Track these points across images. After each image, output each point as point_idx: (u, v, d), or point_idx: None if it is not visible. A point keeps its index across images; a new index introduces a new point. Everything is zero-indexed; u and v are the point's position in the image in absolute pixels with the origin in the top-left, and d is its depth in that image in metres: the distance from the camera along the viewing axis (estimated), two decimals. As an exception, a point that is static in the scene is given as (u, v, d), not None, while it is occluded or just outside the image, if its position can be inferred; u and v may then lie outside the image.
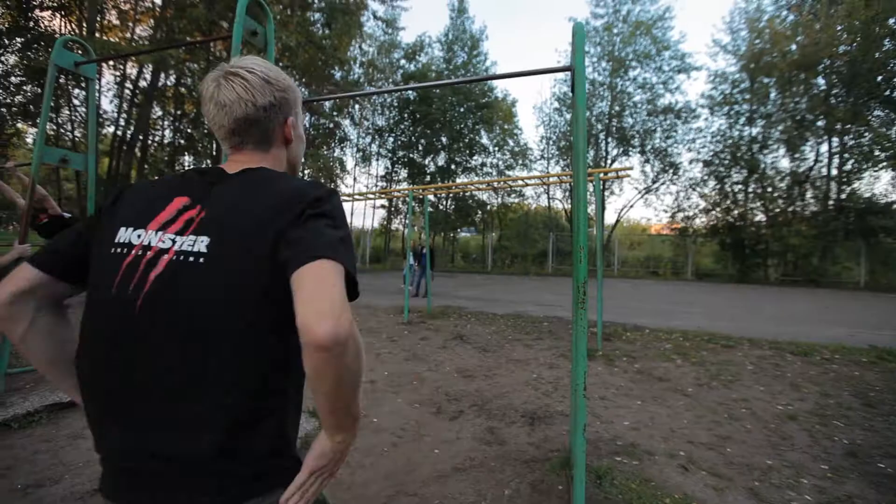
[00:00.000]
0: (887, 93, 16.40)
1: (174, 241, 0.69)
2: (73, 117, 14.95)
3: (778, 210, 18.44)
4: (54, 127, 14.82)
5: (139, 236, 0.72)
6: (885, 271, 16.29)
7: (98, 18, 14.37)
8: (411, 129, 25.55)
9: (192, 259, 0.67)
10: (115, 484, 0.70)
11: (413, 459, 2.71)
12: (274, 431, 0.71)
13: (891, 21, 15.51)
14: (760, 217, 18.97)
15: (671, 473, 2.56)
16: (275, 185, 0.74)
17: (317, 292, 0.61)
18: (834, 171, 17.84)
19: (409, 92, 24.57)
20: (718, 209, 19.74)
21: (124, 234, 0.73)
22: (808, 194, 18.32)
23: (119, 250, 0.71)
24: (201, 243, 0.68)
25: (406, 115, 25.34)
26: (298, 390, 0.76)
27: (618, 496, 2.23)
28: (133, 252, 0.70)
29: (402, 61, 25.78)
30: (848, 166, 17.47)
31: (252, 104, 0.78)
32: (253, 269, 0.67)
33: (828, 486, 2.47)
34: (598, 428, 3.20)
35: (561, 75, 23.74)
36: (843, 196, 17.32)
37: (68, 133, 15.13)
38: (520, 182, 9.83)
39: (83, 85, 3.86)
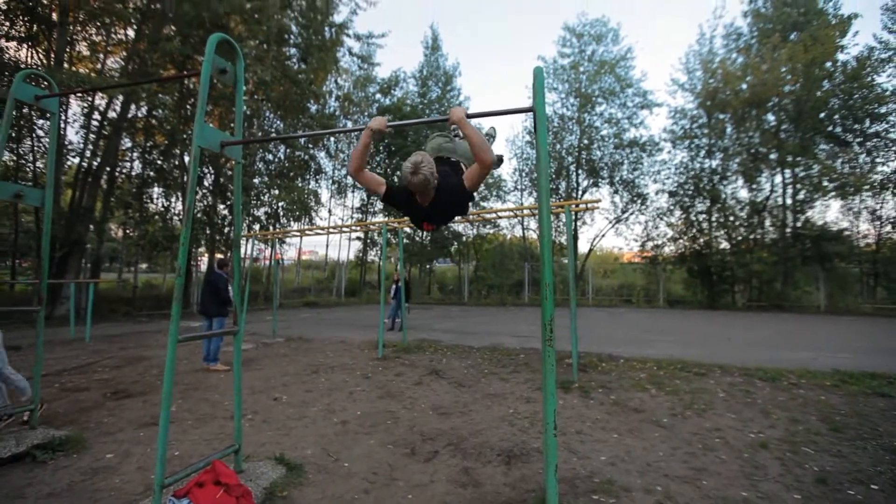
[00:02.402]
0: (830, 128, 17.72)
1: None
2: (37, 148, 14.46)
3: (740, 238, 19.28)
4: (14, 158, 14.26)
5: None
6: (842, 295, 17.11)
7: (67, 49, 14.17)
8: (386, 161, 25.81)
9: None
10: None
11: (385, 507, 2.58)
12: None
13: (827, 64, 16.94)
14: (725, 245, 19.77)
15: (649, 511, 2.52)
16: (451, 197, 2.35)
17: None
18: (789, 201, 18.91)
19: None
20: (685, 237, 20.48)
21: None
22: (767, 222, 19.27)
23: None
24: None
25: (381, 148, 25.65)
26: None
27: (595, 539, 2.17)
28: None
29: (378, 95, 26.32)
30: (801, 196, 18.57)
31: (428, 180, 2.18)
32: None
33: (801, 518, 2.48)
34: (574, 464, 3.15)
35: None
36: (799, 224, 18.31)
37: (30, 164, 14.58)
38: (492, 214, 9.98)
39: (48, 115, 3.76)
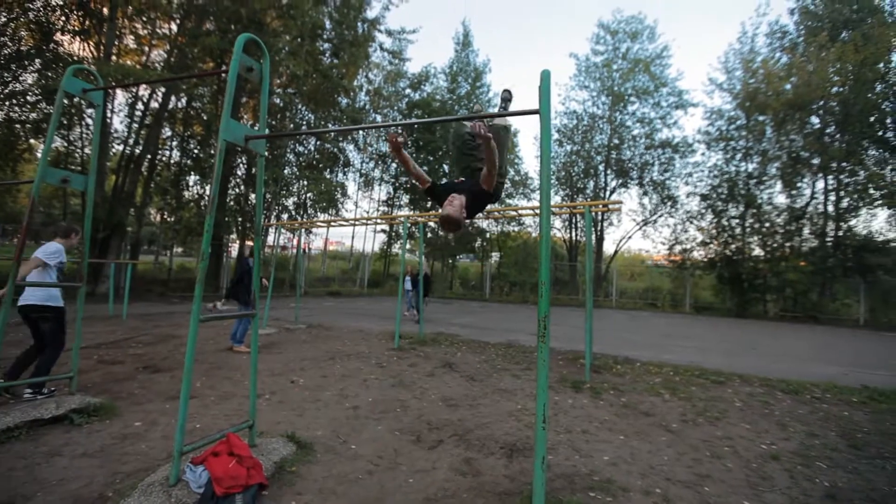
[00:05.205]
0: (880, 133, 16.73)
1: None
2: (85, 135, 15.34)
3: (776, 245, 18.48)
4: (65, 144, 15.17)
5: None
6: (886, 309, 16.17)
7: (115, 43, 14.92)
8: (414, 155, 26.02)
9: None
10: None
11: (386, 488, 2.70)
12: None
13: (880, 65, 15.98)
14: (758, 251, 19.01)
15: (644, 511, 2.54)
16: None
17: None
18: (830, 208, 18.00)
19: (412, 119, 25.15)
20: (716, 242, 19.81)
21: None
22: (806, 230, 18.40)
23: None
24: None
25: (410, 143, 25.87)
26: None
27: (585, 533, 2.22)
28: None
29: (408, 90, 26.51)
30: (844, 203, 17.63)
31: (460, 221, 2.73)
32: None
33: (803, 530, 2.44)
34: (575, 462, 3.18)
35: (560, 107, 24.32)
36: (841, 233, 17.41)
37: (79, 151, 15.48)
38: (512, 213, 9.96)
39: (95, 106, 4.05)
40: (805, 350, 9.39)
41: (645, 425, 4.06)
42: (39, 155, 17.08)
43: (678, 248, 20.94)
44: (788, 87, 17.55)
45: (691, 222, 20.90)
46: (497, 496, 2.63)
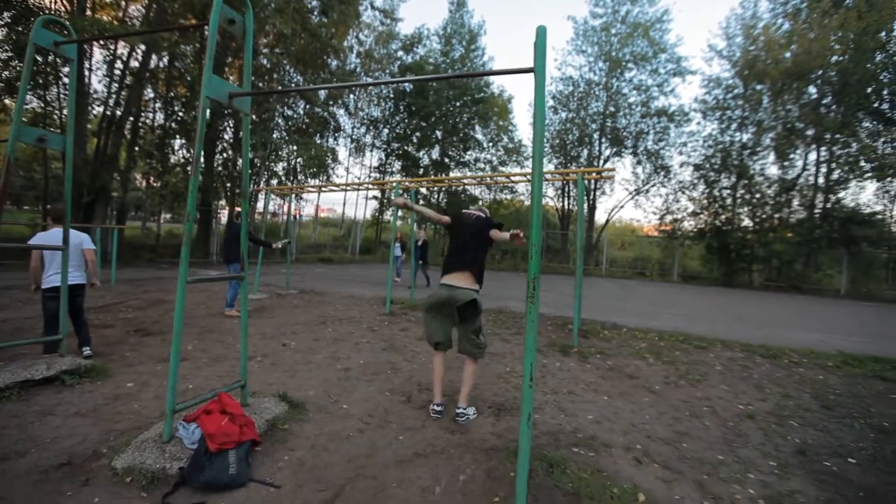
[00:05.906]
0: (876, 104, 16.65)
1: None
2: (63, 95, 14.70)
3: (765, 216, 18.68)
4: (42, 105, 14.55)
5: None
6: (866, 280, 16.61)
7: (90, -5, 14.08)
8: (406, 121, 25.47)
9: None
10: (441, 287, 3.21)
11: (377, 445, 2.78)
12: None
13: (881, 34, 15.70)
14: (747, 222, 19.22)
15: (624, 465, 2.65)
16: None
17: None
18: (821, 180, 18.11)
19: (405, 84, 24.49)
20: (706, 213, 19.96)
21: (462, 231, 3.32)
22: (795, 201, 18.57)
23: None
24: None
25: (402, 108, 25.25)
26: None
27: (567, 484, 2.32)
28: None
29: (400, 52, 25.63)
30: (835, 175, 17.74)
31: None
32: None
33: (772, 482, 2.58)
34: (561, 420, 3.29)
35: (556, 72, 23.74)
36: (829, 205, 17.60)
37: (56, 112, 14.87)
38: (503, 179, 9.91)
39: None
40: (787, 318, 9.66)
41: (629, 387, 4.20)
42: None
43: (669, 217, 21.08)
44: (788, 55, 17.25)
45: (683, 192, 20.99)
46: (484, 452, 2.73)
